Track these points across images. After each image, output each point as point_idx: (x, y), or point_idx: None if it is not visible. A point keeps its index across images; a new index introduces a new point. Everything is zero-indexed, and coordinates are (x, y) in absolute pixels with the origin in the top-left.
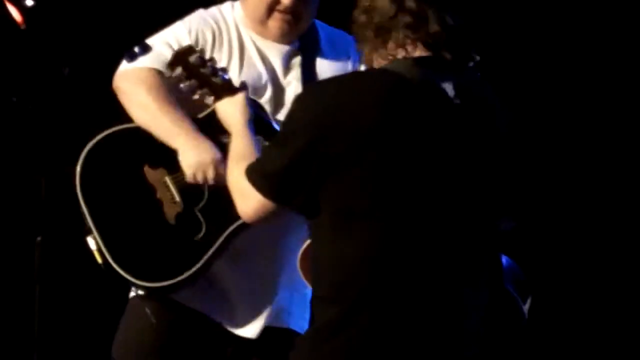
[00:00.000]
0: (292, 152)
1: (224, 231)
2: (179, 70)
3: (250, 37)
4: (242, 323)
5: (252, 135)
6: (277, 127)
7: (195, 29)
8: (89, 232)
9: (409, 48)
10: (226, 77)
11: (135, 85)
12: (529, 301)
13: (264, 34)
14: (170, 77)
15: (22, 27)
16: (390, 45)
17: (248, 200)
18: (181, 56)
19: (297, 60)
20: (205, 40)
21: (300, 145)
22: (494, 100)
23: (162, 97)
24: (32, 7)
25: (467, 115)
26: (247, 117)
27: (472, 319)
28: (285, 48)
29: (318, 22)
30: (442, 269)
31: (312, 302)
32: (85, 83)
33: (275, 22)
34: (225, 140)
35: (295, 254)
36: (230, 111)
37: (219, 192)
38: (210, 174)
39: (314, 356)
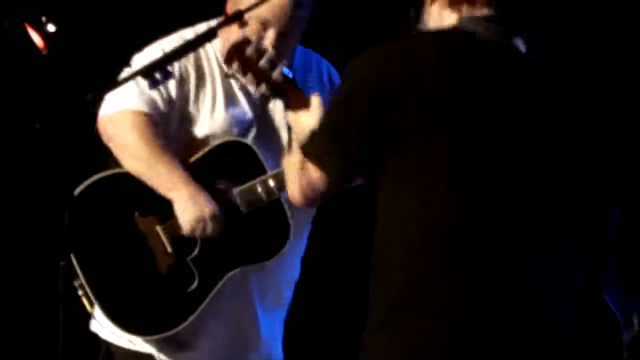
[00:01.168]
0: (345, 110)
1: (218, 281)
2: (235, 65)
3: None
4: None
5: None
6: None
7: (179, 66)
8: (77, 279)
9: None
10: (286, 71)
11: (125, 132)
12: (630, 332)
13: None
14: (227, 75)
15: (44, 52)
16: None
17: (298, 182)
18: (237, 49)
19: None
20: (188, 75)
21: (355, 102)
22: (575, 64)
23: (154, 144)
24: (55, 33)
25: (546, 73)
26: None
27: (560, 313)
28: None
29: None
30: (524, 251)
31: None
32: None
33: None
34: (220, 186)
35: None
36: (305, 121)
37: (212, 241)
38: (209, 229)
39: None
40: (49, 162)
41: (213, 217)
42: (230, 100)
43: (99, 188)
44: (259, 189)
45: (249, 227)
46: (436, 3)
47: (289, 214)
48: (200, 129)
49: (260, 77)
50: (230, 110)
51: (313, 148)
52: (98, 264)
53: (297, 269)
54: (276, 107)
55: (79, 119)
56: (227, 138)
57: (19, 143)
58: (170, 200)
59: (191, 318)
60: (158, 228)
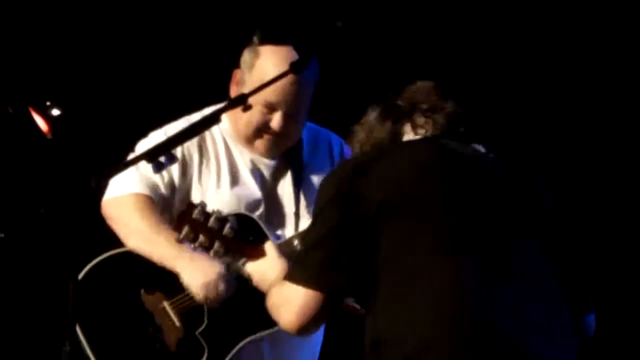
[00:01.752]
0: (328, 224)
1: (228, 353)
2: (185, 229)
3: (239, 150)
4: None
5: None
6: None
7: (181, 150)
8: None
9: (426, 128)
10: (235, 225)
11: (128, 213)
12: None
13: (249, 149)
14: (179, 239)
15: (49, 136)
16: (407, 129)
17: (287, 307)
18: (184, 216)
19: (285, 175)
20: (191, 158)
21: (334, 218)
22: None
23: (154, 221)
24: (59, 117)
25: (502, 164)
26: (284, 268)
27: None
28: (272, 163)
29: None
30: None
31: None
32: None
33: (262, 142)
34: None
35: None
36: (265, 269)
37: (219, 314)
38: (220, 290)
39: None
40: (53, 245)
41: (220, 277)
42: (235, 179)
43: (103, 269)
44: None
45: (255, 296)
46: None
47: None
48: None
49: (212, 237)
50: (236, 189)
51: (304, 272)
52: (107, 343)
53: (318, 345)
54: (285, 182)
55: (83, 203)
56: (232, 212)
57: (24, 227)
58: (175, 274)
59: None
60: (165, 304)
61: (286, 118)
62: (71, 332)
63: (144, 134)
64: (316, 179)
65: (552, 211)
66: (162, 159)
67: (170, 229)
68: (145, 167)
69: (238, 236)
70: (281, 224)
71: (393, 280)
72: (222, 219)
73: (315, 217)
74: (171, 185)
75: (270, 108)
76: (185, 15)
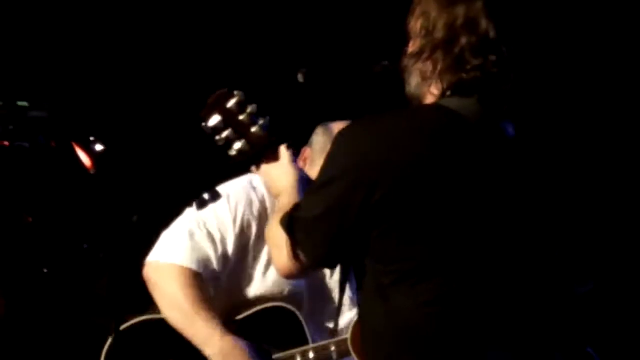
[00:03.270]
0: (330, 199)
1: None
2: (215, 118)
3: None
4: None
5: (301, 194)
6: None
7: (241, 219)
8: None
9: (463, 76)
10: (266, 128)
11: (171, 286)
12: None
13: None
14: (206, 128)
15: (92, 172)
16: (443, 69)
17: (282, 254)
18: (218, 101)
19: None
20: (250, 230)
21: (339, 192)
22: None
23: (195, 299)
24: (102, 152)
25: (530, 158)
26: (295, 178)
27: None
28: None
29: None
30: (508, 318)
31: None
32: (155, 229)
33: None
34: (266, 348)
35: None
36: (276, 175)
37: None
38: None
39: None
40: (93, 282)
41: None
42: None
43: (142, 329)
44: (298, 359)
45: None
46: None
47: None
48: (252, 289)
49: (240, 131)
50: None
51: (299, 233)
52: None
53: None
54: (330, 272)
55: (125, 240)
56: (275, 303)
57: (68, 263)
58: (205, 355)
59: None
60: None
61: None
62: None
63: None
64: None
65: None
66: (205, 196)
67: (210, 308)
68: (199, 235)
69: (265, 137)
70: (321, 314)
71: (387, 271)
72: (255, 116)
73: (321, 184)
74: (224, 259)
75: None
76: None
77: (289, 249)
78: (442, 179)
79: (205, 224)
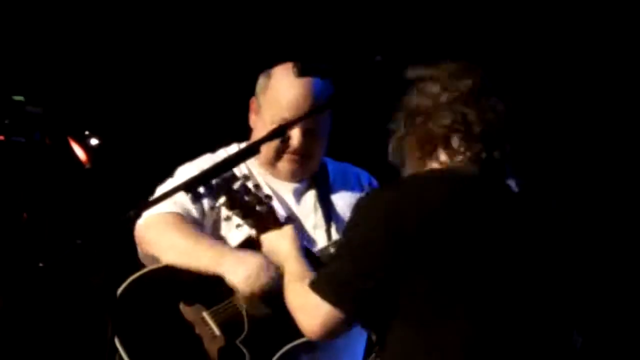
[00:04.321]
0: (361, 253)
1: (270, 359)
2: (222, 199)
3: (263, 177)
4: None
5: (307, 262)
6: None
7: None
8: None
9: (462, 150)
10: (271, 205)
11: (162, 230)
12: None
13: (274, 174)
14: (213, 207)
15: (87, 166)
16: (442, 151)
17: (313, 315)
18: (225, 184)
19: (310, 194)
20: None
21: (370, 246)
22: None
23: (190, 232)
24: (98, 147)
25: (533, 209)
26: (298, 247)
27: None
28: (296, 186)
29: (325, 158)
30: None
31: None
32: None
33: (285, 164)
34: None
35: None
36: (278, 243)
37: (259, 322)
38: (264, 280)
39: None
40: (90, 275)
41: (262, 268)
42: None
43: (141, 286)
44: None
45: None
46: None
47: None
48: (235, 235)
49: (246, 212)
50: None
51: (332, 291)
52: (150, 354)
53: (359, 357)
54: (312, 204)
55: (121, 235)
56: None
57: (62, 259)
58: (214, 285)
59: None
60: (205, 314)
61: (304, 134)
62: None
63: (179, 162)
64: (345, 203)
65: (568, 267)
66: (201, 189)
67: (206, 235)
68: (178, 195)
69: (270, 216)
70: (310, 241)
71: (410, 327)
72: (260, 198)
73: (349, 243)
74: (202, 210)
75: (288, 126)
76: (221, 50)
77: (326, 309)
78: (459, 233)
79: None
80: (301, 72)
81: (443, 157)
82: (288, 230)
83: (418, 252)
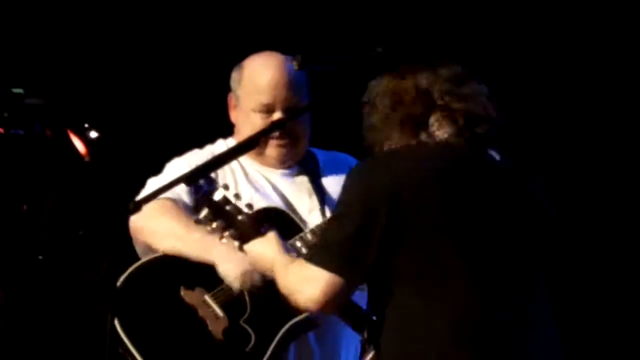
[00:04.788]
0: (357, 219)
1: (274, 337)
2: (204, 211)
3: (252, 166)
4: None
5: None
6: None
7: (196, 164)
8: None
9: (446, 125)
10: (251, 214)
11: (156, 218)
12: None
13: (263, 162)
14: (197, 220)
15: (86, 159)
16: (429, 127)
17: (313, 284)
18: (205, 197)
19: (302, 179)
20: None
21: (367, 210)
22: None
23: (185, 220)
24: (97, 139)
25: (514, 176)
26: (281, 247)
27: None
28: (286, 171)
29: (314, 149)
30: (519, 318)
31: None
32: None
33: (272, 149)
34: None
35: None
36: (263, 248)
37: (261, 301)
38: (255, 278)
39: None
40: (87, 269)
41: (254, 274)
42: (255, 192)
43: (140, 276)
44: (299, 244)
45: None
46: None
47: None
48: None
49: (228, 222)
50: (257, 198)
51: (333, 259)
52: (155, 346)
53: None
54: (303, 189)
55: (121, 226)
56: (262, 206)
57: (62, 251)
58: (212, 268)
59: None
60: (206, 297)
61: (285, 114)
62: (111, 347)
63: (176, 154)
64: (334, 188)
65: (553, 228)
66: (201, 182)
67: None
68: (164, 181)
69: (252, 224)
70: (305, 224)
71: (407, 289)
72: (239, 207)
73: (344, 209)
74: (191, 199)
75: (268, 110)
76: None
77: (326, 276)
78: (451, 199)
79: (166, 176)
80: (302, 64)
81: (430, 132)
82: (271, 236)
83: (413, 216)
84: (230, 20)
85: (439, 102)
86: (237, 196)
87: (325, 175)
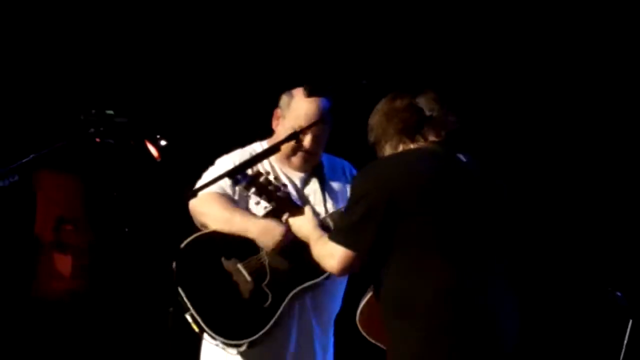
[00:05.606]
0: (363, 208)
1: (285, 297)
2: (252, 189)
3: (278, 166)
4: None
5: (322, 230)
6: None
7: (239, 160)
8: (187, 310)
9: (429, 137)
10: (287, 191)
11: (210, 205)
12: None
13: (289, 166)
14: (246, 195)
15: (159, 161)
16: (415, 139)
17: (334, 257)
18: (253, 179)
19: (313, 180)
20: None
21: (370, 202)
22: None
23: (228, 205)
24: (166, 146)
25: (479, 175)
26: (315, 222)
27: (512, 323)
28: (302, 175)
29: (323, 157)
30: (487, 289)
31: (390, 332)
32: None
33: (298, 159)
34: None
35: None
36: (301, 222)
37: (278, 271)
38: (279, 238)
39: None
40: (163, 236)
41: (278, 230)
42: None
43: (196, 244)
44: (328, 220)
45: (302, 257)
46: (394, 140)
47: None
48: (259, 210)
49: (270, 196)
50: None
51: (348, 237)
52: (200, 293)
53: (339, 302)
54: (314, 188)
55: (182, 206)
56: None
57: (144, 225)
58: (246, 245)
59: (270, 323)
60: (239, 265)
61: (314, 139)
62: (174, 298)
63: (221, 153)
64: (336, 187)
65: (512, 216)
66: (239, 176)
67: (240, 209)
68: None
69: (288, 199)
70: (315, 211)
71: (398, 264)
72: (279, 187)
73: (354, 202)
74: (234, 191)
75: (303, 131)
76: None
77: (342, 251)
78: (436, 189)
79: (216, 171)
80: (310, 92)
81: (416, 141)
82: (307, 211)
83: (407, 201)
84: (256, 57)
85: (428, 114)
86: (276, 179)
87: (328, 177)
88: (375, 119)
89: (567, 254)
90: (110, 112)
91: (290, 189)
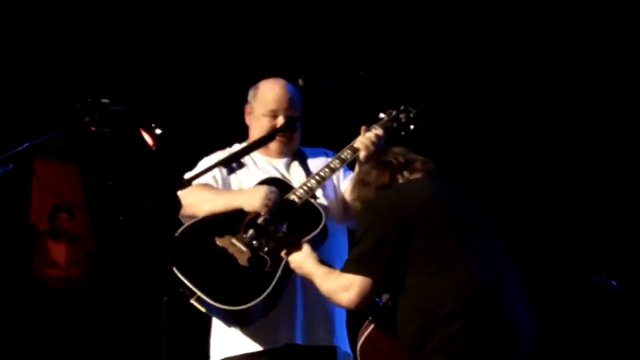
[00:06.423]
0: (373, 238)
1: (282, 260)
2: (251, 231)
3: (261, 158)
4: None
5: (325, 265)
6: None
7: (219, 159)
8: (192, 296)
9: (415, 173)
10: (285, 230)
11: (197, 194)
12: None
13: (268, 154)
14: (244, 237)
15: (153, 148)
16: (405, 173)
17: (351, 289)
18: (252, 220)
19: (295, 163)
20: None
21: (378, 230)
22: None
23: (213, 189)
24: (160, 135)
25: (463, 197)
26: (316, 258)
27: (526, 318)
28: (284, 160)
29: (302, 147)
30: (503, 287)
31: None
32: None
33: (275, 144)
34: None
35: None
36: (302, 260)
37: (272, 237)
38: (273, 200)
39: None
40: (155, 225)
41: (265, 192)
42: (259, 169)
43: (188, 231)
44: (308, 184)
45: (294, 216)
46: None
47: (320, 210)
48: None
49: (268, 237)
50: (261, 174)
51: (360, 265)
52: (201, 273)
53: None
54: (296, 170)
55: (175, 194)
56: (265, 177)
57: (136, 212)
58: (235, 221)
59: (273, 283)
60: (233, 240)
61: (285, 120)
62: (169, 288)
63: (213, 151)
64: (318, 164)
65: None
66: (233, 165)
67: (225, 189)
68: (204, 176)
69: (286, 237)
70: (292, 185)
71: (421, 271)
72: (275, 226)
73: (364, 231)
74: (216, 181)
75: (273, 115)
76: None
77: (359, 280)
78: (435, 209)
79: (201, 169)
80: (306, 81)
81: (405, 176)
82: (305, 248)
83: (413, 223)
84: (242, 55)
85: (398, 161)
86: (273, 219)
87: (309, 159)
88: (354, 195)
89: (563, 245)
90: (106, 100)
91: (275, 172)
